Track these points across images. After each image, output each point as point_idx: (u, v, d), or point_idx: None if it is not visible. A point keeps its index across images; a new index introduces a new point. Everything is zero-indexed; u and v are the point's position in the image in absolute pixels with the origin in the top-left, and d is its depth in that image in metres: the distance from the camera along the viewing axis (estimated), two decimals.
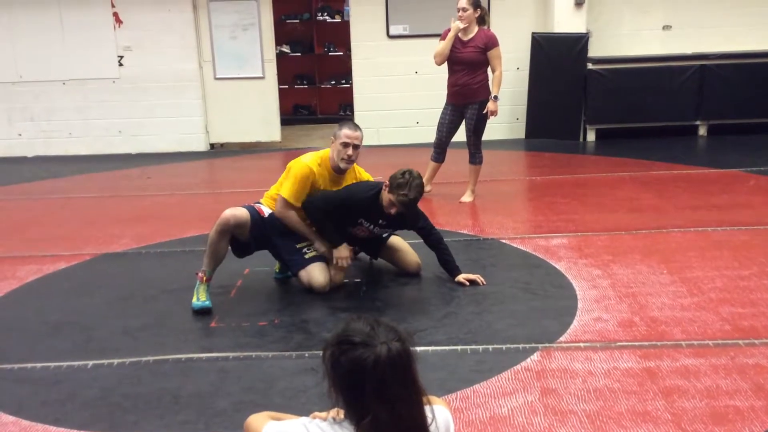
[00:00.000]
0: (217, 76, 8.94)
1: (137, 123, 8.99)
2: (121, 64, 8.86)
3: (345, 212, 4.03)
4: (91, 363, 3.36)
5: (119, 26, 8.77)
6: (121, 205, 6.46)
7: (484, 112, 5.78)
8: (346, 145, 4.11)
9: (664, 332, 3.46)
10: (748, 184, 6.25)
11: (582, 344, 3.37)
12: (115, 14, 8.73)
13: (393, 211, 3.90)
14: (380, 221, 4.08)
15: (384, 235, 4.34)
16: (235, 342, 3.54)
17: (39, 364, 3.37)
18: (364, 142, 8.76)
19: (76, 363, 3.37)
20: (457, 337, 3.49)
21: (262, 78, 8.94)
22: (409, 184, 3.82)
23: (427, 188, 6.25)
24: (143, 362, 3.35)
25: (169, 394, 3.06)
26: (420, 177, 3.92)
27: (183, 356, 3.39)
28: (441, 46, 5.80)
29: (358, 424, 1.59)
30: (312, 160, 4.13)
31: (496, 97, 5.76)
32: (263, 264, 4.63)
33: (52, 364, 3.36)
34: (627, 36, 8.78)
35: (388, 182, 3.92)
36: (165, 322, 3.82)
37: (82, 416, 2.92)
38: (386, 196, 3.91)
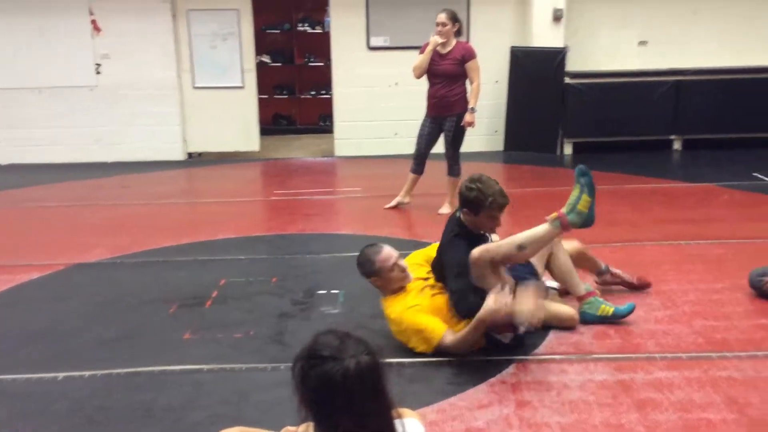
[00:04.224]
0: (196, 85, 8.90)
1: (114, 131, 8.91)
2: (98, 72, 8.79)
3: None
4: (62, 375, 3.31)
5: (97, 34, 8.71)
6: (96, 215, 6.39)
7: (462, 124, 5.82)
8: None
9: (638, 345, 3.48)
10: (722, 198, 6.33)
11: (557, 356, 3.38)
12: (94, 22, 8.67)
13: (499, 221, 3.43)
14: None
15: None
16: (209, 354, 3.50)
17: (9, 377, 3.31)
18: (342, 153, 8.90)
19: (46, 375, 3.31)
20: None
21: (242, 87, 8.91)
22: (483, 191, 3.34)
23: (405, 200, 6.28)
24: (116, 374, 3.31)
25: (141, 407, 3.02)
26: (480, 175, 3.47)
27: (156, 368, 3.35)
28: (420, 59, 5.84)
29: None
30: (404, 303, 3.47)
31: (473, 109, 5.80)
32: (239, 275, 4.62)
33: (23, 377, 3.30)
34: (604, 51, 8.88)
35: (463, 211, 3.45)
36: (139, 334, 3.78)
37: (51, 430, 2.88)
38: (477, 220, 3.42)
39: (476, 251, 3.20)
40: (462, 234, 3.44)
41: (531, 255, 3.35)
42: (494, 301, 3.09)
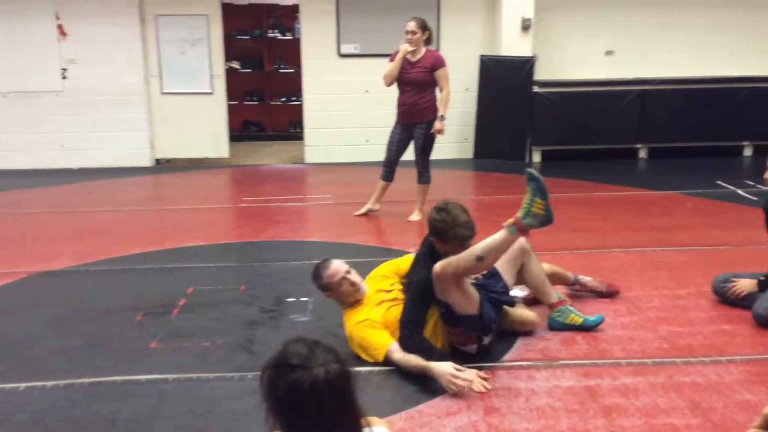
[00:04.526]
0: (164, 91, 8.82)
1: (81, 137, 8.78)
2: (65, 77, 8.66)
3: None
4: (23, 386, 3.24)
5: (64, 38, 8.58)
6: (61, 222, 6.28)
7: (431, 131, 5.85)
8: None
9: (604, 350, 3.52)
10: (686, 205, 6.45)
11: (525, 363, 3.40)
12: (60, 26, 8.54)
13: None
14: None
15: None
16: (175, 363, 3.45)
17: None
18: (313, 160, 8.88)
19: (7, 386, 3.24)
20: None
21: (211, 93, 8.85)
22: (449, 222, 3.31)
23: (375, 207, 6.28)
24: (78, 384, 3.25)
25: (104, 418, 2.97)
26: (450, 203, 3.40)
27: (120, 378, 3.30)
28: (390, 67, 5.86)
29: None
30: (355, 318, 3.49)
31: (442, 117, 5.83)
32: (207, 283, 4.57)
33: None
34: (572, 60, 9.01)
35: (432, 239, 3.43)
36: (103, 343, 3.71)
37: None
38: (447, 248, 3.34)
39: (438, 266, 3.19)
40: (432, 255, 3.41)
41: (491, 264, 3.35)
42: (451, 380, 3.09)
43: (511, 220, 3.18)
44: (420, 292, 3.34)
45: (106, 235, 5.78)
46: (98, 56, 8.60)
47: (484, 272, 3.51)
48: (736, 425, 2.81)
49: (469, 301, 3.25)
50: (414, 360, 3.23)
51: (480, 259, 3.17)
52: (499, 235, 3.19)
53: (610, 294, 4.17)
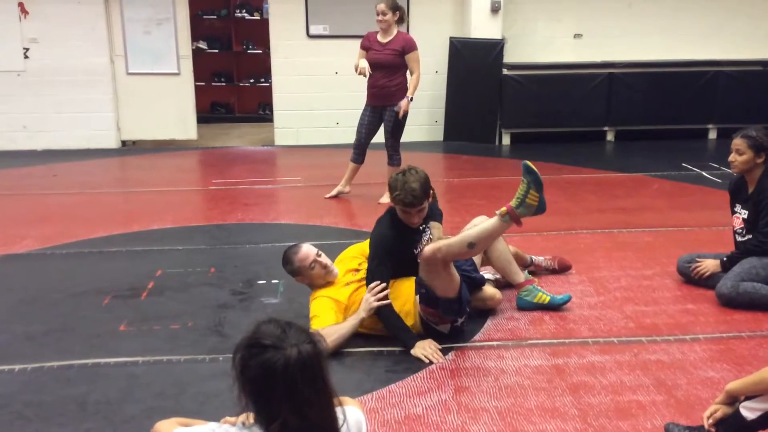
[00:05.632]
0: (130, 71, 8.65)
1: (43, 118, 8.59)
2: (26, 57, 8.45)
3: (396, 259, 3.43)
4: None
5: (25, 17, 8.36)
6: (24, 205, 6.16)
7: (396, 109, 5.83)
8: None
9: (572, 330, 3.58)
10: (652, 187, 6.55)
11: (494, 343, 3.45)
12: (21, 4, 8.32)
13: (414, 221, 3.47)
14: (422, 228, 3.58)
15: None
16: (145, 346, 3.43)
17: None
18: (282, 143, 8.81)
19: None
20: (373, 338, 3.49)
21: (178, 74, 8.71)
22: (398, 183, 3.38)
23: (346, 189, 6.27)
24: (47, 368, 3.21)
25: (74, 401, 2.94)
26: (415, 170, 3.44)
27: (89, 361, 3.26)
28: (356, 60, 5.84)
29: (267, 428, 1.57)
30: (325, 293, 3.54)
31: (410, 98, 5.83)
32: (176, 266, 4.53)
33: None
34: (540, 43, 9.05)
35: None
36: (71, 327, 3.66)
37: None
38: (397, 210, 3.51)
39: (428, 250, 3.17)
40: (393, 216, 3.53)
41: (481, 251, 3.39)
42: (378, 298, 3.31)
43: (504, 209, 3.18)
44: (378, 247, 3.44)
45: (72, 218, 5.69)
46: (61, 35, 8.40)
47: None
48: (699, 401, 2.88)
49: (451, 284, 3.27)
50: (343, 329, 3.31)
51: (471, 245, 3.19)
52: (491, 223, 3.21)
53: (562, 269, 4.30)
